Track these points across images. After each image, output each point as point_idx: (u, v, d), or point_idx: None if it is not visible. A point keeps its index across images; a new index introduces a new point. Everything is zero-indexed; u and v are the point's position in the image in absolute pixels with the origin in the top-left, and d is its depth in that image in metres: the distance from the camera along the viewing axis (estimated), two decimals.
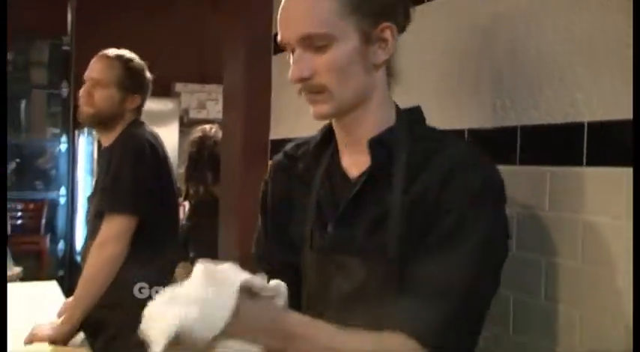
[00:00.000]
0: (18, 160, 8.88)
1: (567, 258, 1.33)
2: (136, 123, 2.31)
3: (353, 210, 1.18)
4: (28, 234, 6.88)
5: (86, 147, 6.37)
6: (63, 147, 7.03)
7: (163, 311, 0.97)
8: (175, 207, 2.54)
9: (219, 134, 3.00)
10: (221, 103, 6.11)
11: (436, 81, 1.68)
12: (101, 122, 2.28)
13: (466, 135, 1.55)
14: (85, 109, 2.27)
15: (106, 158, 2.25)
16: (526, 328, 1.43)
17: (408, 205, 1.12)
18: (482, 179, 1.12)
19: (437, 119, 1.31)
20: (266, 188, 1.37)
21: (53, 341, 1.91)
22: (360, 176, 1.19)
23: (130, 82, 2.31)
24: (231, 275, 1.00)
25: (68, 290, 3.05)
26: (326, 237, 1.22)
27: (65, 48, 6.74)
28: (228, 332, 0.95)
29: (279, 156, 1.38)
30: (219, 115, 6.03)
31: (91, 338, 2.06)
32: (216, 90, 6.10)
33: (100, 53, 2.35)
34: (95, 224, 2.20)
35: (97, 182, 2.41)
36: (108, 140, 2.31)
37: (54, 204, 7.16)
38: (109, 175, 2.16)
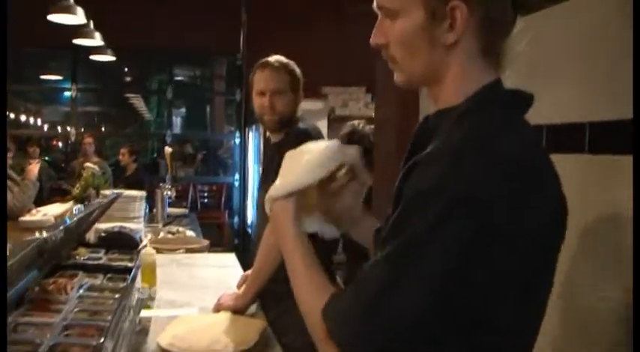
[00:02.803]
0: (204, 152, 9.29)
1: None
2: (299, 120, 2.10)
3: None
4: (211, 210, 7.09)
5: (254, 140, 6.41)
6: (237, 141, 7.14)
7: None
8: None
9: (367, 128, 2.75)
10: (362, 102, 6.24)
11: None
12: (283, 125, 2.07)
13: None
14: (270, 118, 2.06)
15: (276, 152, 2.07)
16: None
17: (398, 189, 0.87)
18: (436, 177, 0.76)
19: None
20: None
21: (234, 311, 1.75)
22: None
23: (296, 84, 2.10)
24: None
25: (243, 255, 2.96)
26: None
27: (238, 62, 6.83)
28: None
29: None
30: (360, 112, 6.18)
31: (265, 309, 1.88)
32: (357, 91, 6.17)
33: (262, 64, 2.11)
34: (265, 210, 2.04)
35: (264, 172, 2.24)
36: (278, 136, 2.11)
37: (230, 187, 7.33)
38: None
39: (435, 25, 0.85)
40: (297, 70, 2.12)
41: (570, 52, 1.32)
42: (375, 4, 0.91)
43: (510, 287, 0.78)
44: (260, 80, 2.05)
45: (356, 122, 2.91)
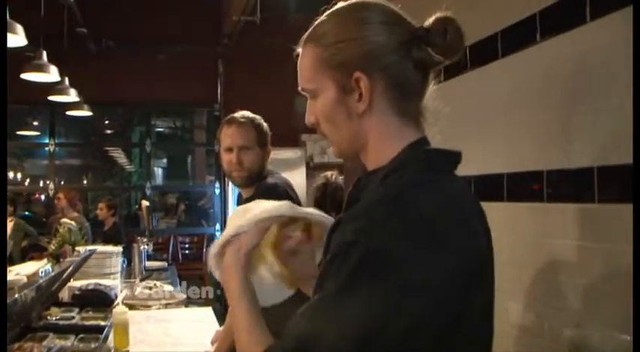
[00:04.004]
0: (187, 202, 9.23)
1: None
2: (269, 173, 2.09)
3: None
4: (193, 261, 7.03)
5: (233, 190, 6.41)
6: (217, 191, 7.14)
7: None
8: None
9: (340, 179, 2.76)
10: None
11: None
12: (252, 181, 2.05)
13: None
14: (238, 174, 2.04)
15: None
16: None
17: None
18: (353, 232, 0.81)
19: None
20: None
21: None
22: None
23: (263, 139, 2.09)
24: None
25: (225, 306, 2.92)
26: None
27: (216, 113, 6.95)
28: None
29: None
30: (338, 159, 6.27)
31: None
32: None
33: (229, 120, 2.10)
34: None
35: None
36: (249, 192, 2.08)
37: (211, 237, 7.28)
38: None
39: (347, 98, 0.92)
40: (264, 125, 2.12)
41: (524, 104, 1.36)
42: (299, 88, 0.98)
43: (427, 338, 0.79)
44: (227, 136, 2.04)
45: (329, 173, 2.92)
